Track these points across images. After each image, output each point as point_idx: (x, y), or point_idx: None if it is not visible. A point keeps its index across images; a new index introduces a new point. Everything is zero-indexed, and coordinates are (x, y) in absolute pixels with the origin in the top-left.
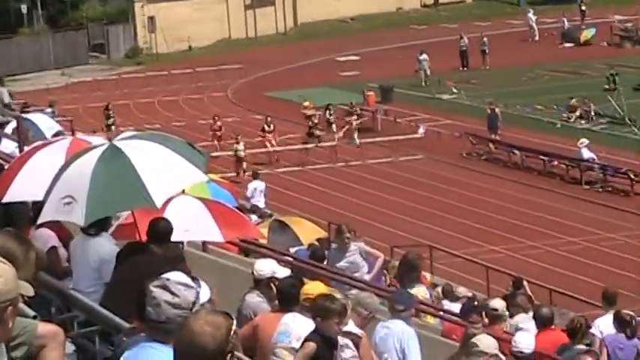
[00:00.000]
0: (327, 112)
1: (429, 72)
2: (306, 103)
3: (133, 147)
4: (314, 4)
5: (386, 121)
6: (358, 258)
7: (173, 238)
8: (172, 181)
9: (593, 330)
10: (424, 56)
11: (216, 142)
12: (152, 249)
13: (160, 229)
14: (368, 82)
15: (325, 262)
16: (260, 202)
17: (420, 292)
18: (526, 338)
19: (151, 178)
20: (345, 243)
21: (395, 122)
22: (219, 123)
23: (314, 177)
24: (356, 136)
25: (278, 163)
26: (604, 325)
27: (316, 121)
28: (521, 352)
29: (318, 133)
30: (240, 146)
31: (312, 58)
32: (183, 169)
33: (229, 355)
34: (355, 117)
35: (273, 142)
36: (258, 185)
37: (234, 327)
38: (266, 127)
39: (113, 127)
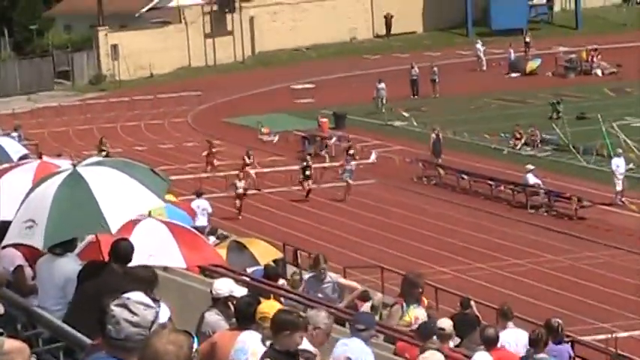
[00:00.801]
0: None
1: (385, 100)
2: (265, 129)
3: (94, 173)
4: (271, 34)
5: (339, 146)
6: (330, 291)
7: (138, 262)
8: (129, 207)
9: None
10: (382, 85)
11: (209, 166)
12: (112, 267)
13: (122, 249)
14: (322, 109)
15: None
16: (203, 221)
17: (419, 313)
18: (482, 356)
19: (108, 205)
20: (321, 273)
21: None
22: (214, 149)
23: (270, 200)
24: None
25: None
26: (508, 338)
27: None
28: None
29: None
30: (241, 183)
31: (268, 86)
32: (140, 195)
33: None
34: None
35: (253, 175)
36: (201, 204)
37: (195, 345)
38: (246, 160)
39: None
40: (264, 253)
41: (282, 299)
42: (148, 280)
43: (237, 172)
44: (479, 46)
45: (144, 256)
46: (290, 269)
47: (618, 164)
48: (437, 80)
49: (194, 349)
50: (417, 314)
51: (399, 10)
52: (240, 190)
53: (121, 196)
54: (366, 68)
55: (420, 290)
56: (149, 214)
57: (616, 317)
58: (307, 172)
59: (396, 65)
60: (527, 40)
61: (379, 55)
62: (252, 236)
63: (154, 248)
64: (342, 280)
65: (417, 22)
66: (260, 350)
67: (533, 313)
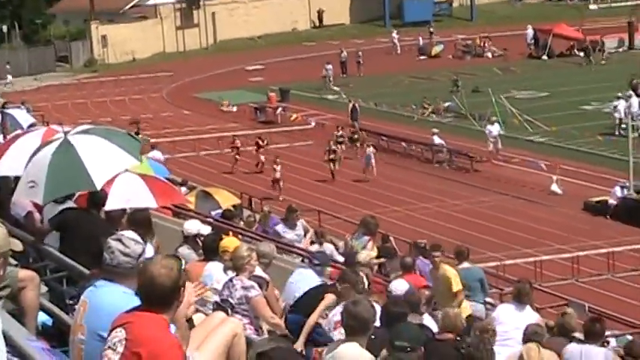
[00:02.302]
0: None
1: (332, 78)
2: (225, 102)
3: (81, 140)
4: (229, 26)
5: (284, 115)
6: (302, 231)
7: (117, 206)
8: (110, 167)
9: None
10: (329, 66)
11: (237, 157)
12: (94, 213)
13: (96, 198)
14: (270, 86)
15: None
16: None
17: (368, 255)
18: (399, 283)
19: (93, 166)
20: (294, 220)
21: (291, 116)
22: (238, 142)
23: (230, 159)
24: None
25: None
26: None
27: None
28: (392, 292)
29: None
30: (278, 167)
31: (227, 68)
32: (119, 157)
33: (181, 288)
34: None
35: (262, 158)
36: (154, 154)
37: (183, 267)
38: (260, 142)
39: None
40: (226, 199)
41: (239, 236)
42: (144, 219)
43: (274, 158)
44: (394, 34)
45: (122, 201)
46: (246, 212)
47: (491, 130)
48: (361, 62)
49: (183, 271)
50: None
51: (331, 6)
52: (278, 174)
53: (103, 159)
54: (305, 53)
55: (371, 232)
56: (126, 170)
57: (504, 249)
58: (332, 157)
59: (329, 50)
60: (432, 30)
61: (315, 42)
62: (218, 187)
63: (131, 194)
64: (305, 223)
65: (345, 16)
66: (222, 277)
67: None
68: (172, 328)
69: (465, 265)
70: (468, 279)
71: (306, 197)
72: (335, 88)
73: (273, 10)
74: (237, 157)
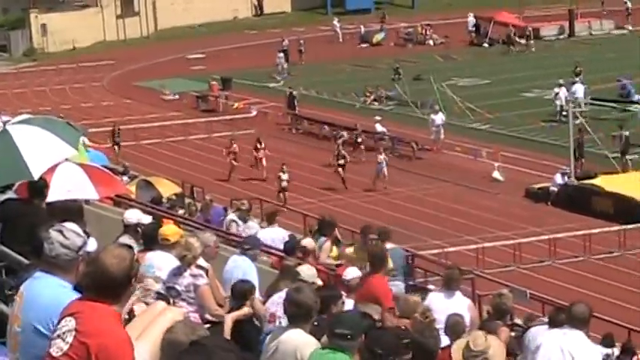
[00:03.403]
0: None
1: (285, 65)
2: (166, 91)
3: (20, 131)
4: (170, 14)
5: (226, 103)
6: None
7: (58, 197)
8: (48, 157)
9: None
10: (281, 54)
11: (233, 162)
12: (35, 204)
13: (37, 187)
14: (212, 74)
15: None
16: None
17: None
18: (353, 271)
19: (30, 156)
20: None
21: (233, 105)
22: (235, 146)
23: (171, 147)
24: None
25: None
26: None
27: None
28: (348, 281)
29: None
30: (285, 175)
31: (168, 56)
32: (58, 147)
33: (133, 278)
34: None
35: (264, 161)
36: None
37: (135, 257)
38: (258, 145)
39: (116, 148)
40: (167, 188)
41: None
42: (75, 209)
43: (280, 164)
44: (336, 22)
45: (63, 192)
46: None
47: (434, 119)
48: (303, 50)
49: (134, 261)
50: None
51: None
52: (285, 183)
53: (41, 148)
54: (247, 41)
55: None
56: (66, 160)
57: (446, 236)
58: (341, 162)
59: (270, 39)
60: (383, 17)
61: (256, 30)
62: (159, 176)
63: (71, 185)
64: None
65: (287, 4)
66: (165, 265)
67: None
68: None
69: (388, 245)
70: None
71: (248, 186)
72: (277, 76)
73: None
74: (234, 162)
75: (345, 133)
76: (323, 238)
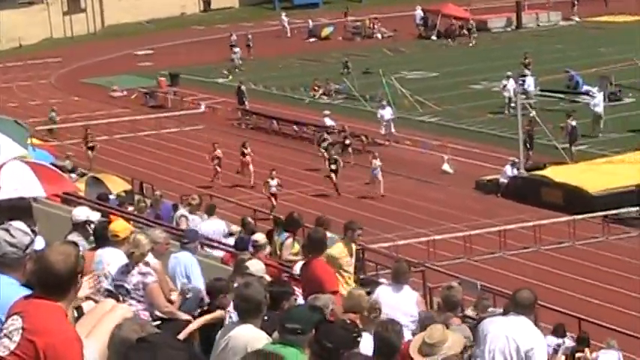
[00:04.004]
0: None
1: (240, 61)
2: (114, 87)
3: None
4: (117, 10)
5: (174, 100)
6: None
7: (5, 195)
8: None
9: None
10: (237, 49)
11: (217, 168)
12: None
13: None
14: (160, 71)
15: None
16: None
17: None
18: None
19: None
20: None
21: (182, 100)
22: (219, 151)
23: (120, 144)
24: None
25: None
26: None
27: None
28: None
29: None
30: (274, 182)
31: (116, 53)
32: (5, 146)
33: (78, 275)
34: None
35: (251, 167)
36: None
37: (80, 254)
38: (244, 150)
39: (90, 152)
40: (116, 185)
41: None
42: (23, 208)
43: (270, 170)
44: (284, 17)
45: (10, 190)
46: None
47: (382, 114)
48: (251, 45)
49: (79, 257)
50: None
51: None
52: (274, 189)
53: None
54: (194, 37)
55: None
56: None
57: (397, 229)
58: (334, 167)
59: (219, 34)
60: (347, 12)
61: (204, 26)
62: (108, 173)
63: (19, 183)
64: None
65: None
66: (114, 262)
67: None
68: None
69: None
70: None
71: (197, 180)
72: (225, 72)
73: None
74: (218, 168)
75: (328, 136)
76: (285, 234)
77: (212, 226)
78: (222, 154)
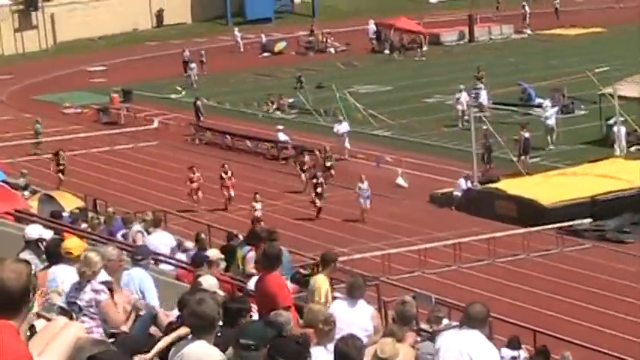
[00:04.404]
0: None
1: (196, 77)
2: (67, 104)
3: None
4: (69, 27)
5: (127, 115)
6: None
7: None
8: None
9: None
10: (193, 65)
11: (194, 196)
12: None
13: None
14: (113, 87)
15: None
16: None
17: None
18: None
19: None
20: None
21: (135, 117)
22: (197, 174)
23: (73, 161)
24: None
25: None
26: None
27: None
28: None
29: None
30: (258, 205)
31: (68, 69)
32: None
33: (31, 293)
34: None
35: (232, 192)
36: None
37: (33, 272)
38: (224, 175)
39: (61, 175)
40: (69, 202)
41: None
42: None
43: (253, 193)
44: (236, 32)
45: None
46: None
47: (338, 128)
48: (204, 61)
49: (32, 275)
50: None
51: (172, 5)
52: (259, 213)
53: None
54: (147, 53)
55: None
56: None
57: (352, 243)
58: (319, 190)
59: (171, 50)
60: (313, 25)
61: (157, 42)
62: (61, 190)
63: None
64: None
65: (187, 15)
66: (67, 280)
67: (290, 243)
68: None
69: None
70: None
71: (150, 197)
72: (178, 87)
73: (113, 10)
74: (197, 193)
75: (307, 157)
76: (247, 248)
77: (158, 239)
78: (201, 179)
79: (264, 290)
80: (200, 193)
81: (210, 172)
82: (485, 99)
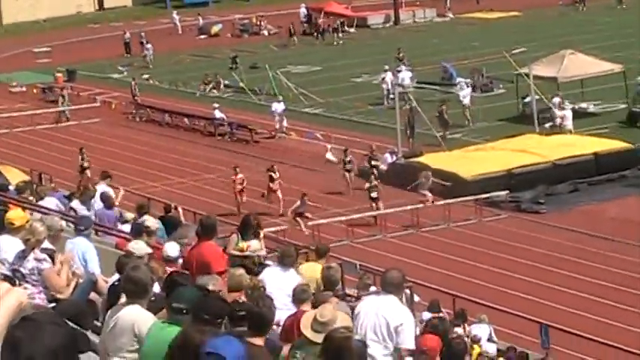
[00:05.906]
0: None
1: (152, 57)
2: (14, 83)
3: None
4: (15, 9)
5: (72, 95)
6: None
7: None
8: None
9: None
10: (149, 45)
11: (238, 198)
12: None
13: None
14: (58, 67)
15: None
16: None
17: (253, 243)
18: (172, 246)
19: None
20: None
21: (78, 95)
22: (240, 175)
23: (19, 137)
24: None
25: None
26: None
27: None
28: (169, 256)
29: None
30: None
31: (15, 50)
32: None
33: None
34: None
35: (279, 194)
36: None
37: None
38: (272, 175)
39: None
40: (15, 176)
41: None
42: None
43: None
44: (175, 15)
45: None
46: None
47: (276, 108)
48: (144, 42)
49: None
50: (250, 243)
51: None
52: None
53: None
54: (90, 35)
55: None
56: None
57: (284, 215)
58: (373, 195)
59: (113, 32)
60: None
61: (99, 24)
62: (7, 165)
63: None
64: None
65: None
66: (10, 248)
67: (212, 208)
68: None
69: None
70: None
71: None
72: (120, 67)
73: None
74: (241, 196)
75: (350, 156)
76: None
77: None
78: (243, 181)
79: (199, 257)
80: (244, 197)
81: (147, 147)
82: (406, 79)
